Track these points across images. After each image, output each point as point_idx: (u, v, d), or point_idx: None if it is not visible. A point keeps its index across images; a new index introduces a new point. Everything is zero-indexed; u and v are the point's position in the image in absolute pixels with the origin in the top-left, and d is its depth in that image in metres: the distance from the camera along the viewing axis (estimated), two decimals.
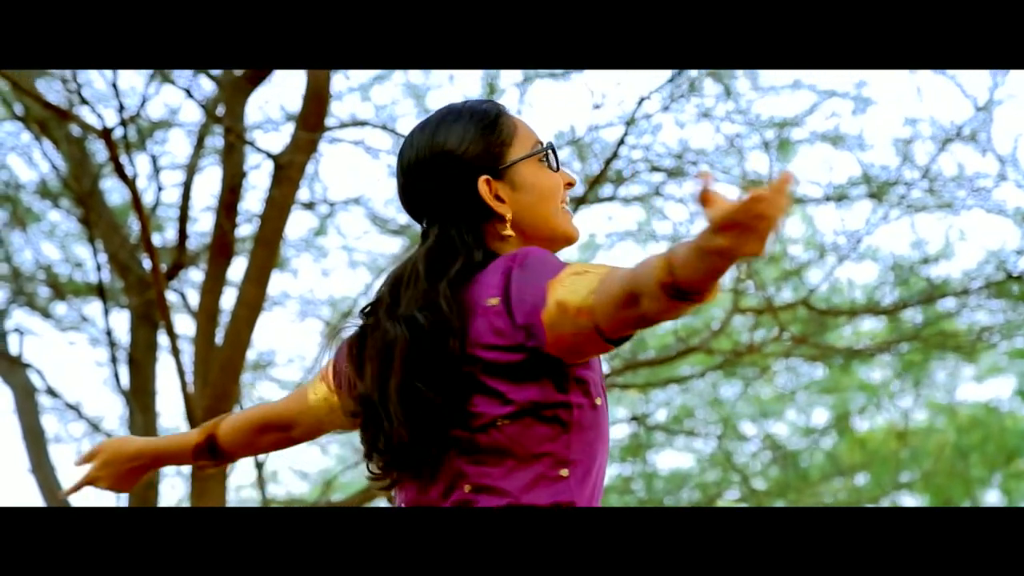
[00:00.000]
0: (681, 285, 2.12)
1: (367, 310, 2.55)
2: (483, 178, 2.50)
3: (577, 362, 2.39)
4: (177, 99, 10.49)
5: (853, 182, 8.12)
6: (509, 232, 2.51)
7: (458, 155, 2.51)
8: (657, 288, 2.15)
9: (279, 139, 8.60)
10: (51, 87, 8.46)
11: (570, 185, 2.59)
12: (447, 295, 2.41)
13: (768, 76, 7.82)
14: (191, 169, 8.61)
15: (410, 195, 2.55)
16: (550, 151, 2.58)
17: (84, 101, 7.67)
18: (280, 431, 2.84)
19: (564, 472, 2.37)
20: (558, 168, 2.58)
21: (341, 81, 8.27)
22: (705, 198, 2.06)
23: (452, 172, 2.51)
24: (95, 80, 8.29)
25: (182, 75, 7.82)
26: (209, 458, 2.89)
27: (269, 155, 7.58)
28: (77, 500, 10.18)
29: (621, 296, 2.24)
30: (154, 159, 8.82)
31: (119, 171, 7.04)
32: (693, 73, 7.59)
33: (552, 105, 9.24)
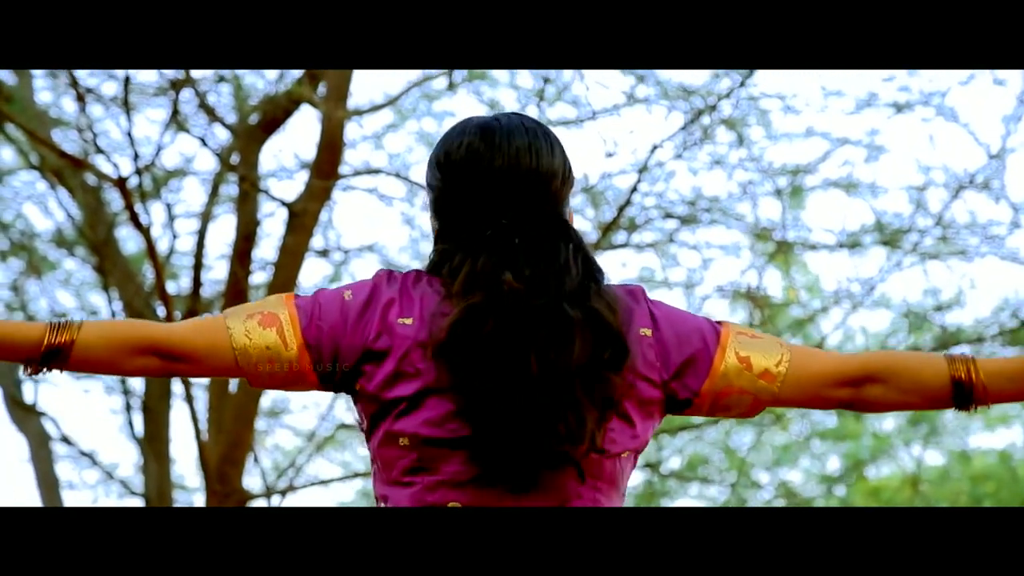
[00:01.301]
0: (977, 394, 2.46)
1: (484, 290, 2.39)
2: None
3: (712, 415, 2.48)
4: (192, 148, 10.55)
5: (866, 229, 8.12)
6: None
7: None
8: (947, 381, 2.45)
9: (293, 187, 8.64)
10: (67, 136, 8.51)
11: None
12: (612, 301, 2.41)
13: (781, 123, 7.86)
14: (205, 217, 8.63)
15: (551, 195, 2.51)
16: None
17: (99, 150, 7.70)
18: (165, 359, 2.46)
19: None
20: None
21: (355, 129, 8.31)
22: None
23: (569, 189, 2.56)
24: (111, 130, 8.35)
25: (197, 124, 7.86)
26: (52, 364, 2.44)
27: (283, 203, 7.61)
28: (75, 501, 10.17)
29: (837, 376, 2.48)
30: (169, 207, 8.85)
31: (134, 219, 7.08)
32: (706, 120, 7.61)
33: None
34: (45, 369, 2.44)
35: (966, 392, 2.47)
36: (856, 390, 2.51)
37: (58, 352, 2.41)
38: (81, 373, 2.40)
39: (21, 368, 2.41)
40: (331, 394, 2.55)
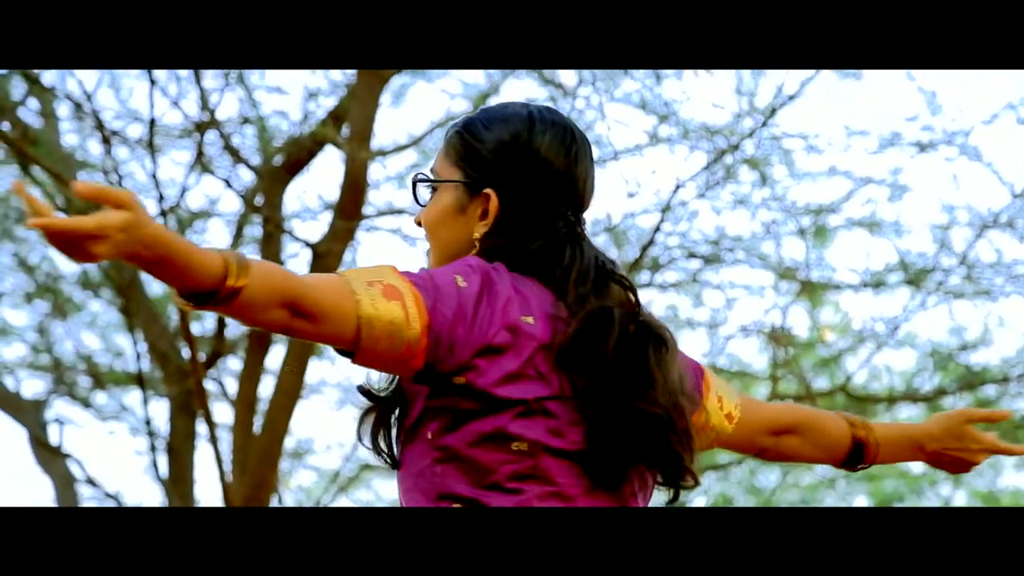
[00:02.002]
0: (868, 455, 2.70)
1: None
2: None
3: None
4: (216, 189, 10.60)
5: (890, 268, 8.10)
6: None
7: None
8: (848, 440, 2.68)
9: (317, 228, 8.66)
10: (92, 179, 8.55)
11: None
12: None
13: (804, 162, 7.85)
14: None
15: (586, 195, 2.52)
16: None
17: None
18: (295, 315, 2.22)
19: None
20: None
21: (378, 170, 8.34)
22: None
23: None
24: (136, 172, 8.38)
25: (221, 165, 7.90)
26: (214, 304, 2.16)
27: (307, 244, 7.63)
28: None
29: (771, 425, 2.65)
30: None
31: None
32: (728, 160, 7.62)
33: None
34: (203, 307, 2.17)
35: (861, 453, 2.69)
36: (777, 439, 2.67)
37: (230, 296, 2.16)
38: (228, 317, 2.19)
39: (174, 301, 2.17)
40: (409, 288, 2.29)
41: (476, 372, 2.26)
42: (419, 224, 2.54)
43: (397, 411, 2.39)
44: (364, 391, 2.41)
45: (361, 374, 2.41)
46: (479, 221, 2.44)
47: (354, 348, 2.26)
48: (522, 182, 2.43)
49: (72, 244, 2.05)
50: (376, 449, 2.40)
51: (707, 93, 11.93)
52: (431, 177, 2.51)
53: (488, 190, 2.43)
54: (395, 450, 2.39)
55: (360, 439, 2.41)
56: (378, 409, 2.40)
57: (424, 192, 2.53)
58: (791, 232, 8.08)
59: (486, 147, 2.45)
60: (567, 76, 7.50)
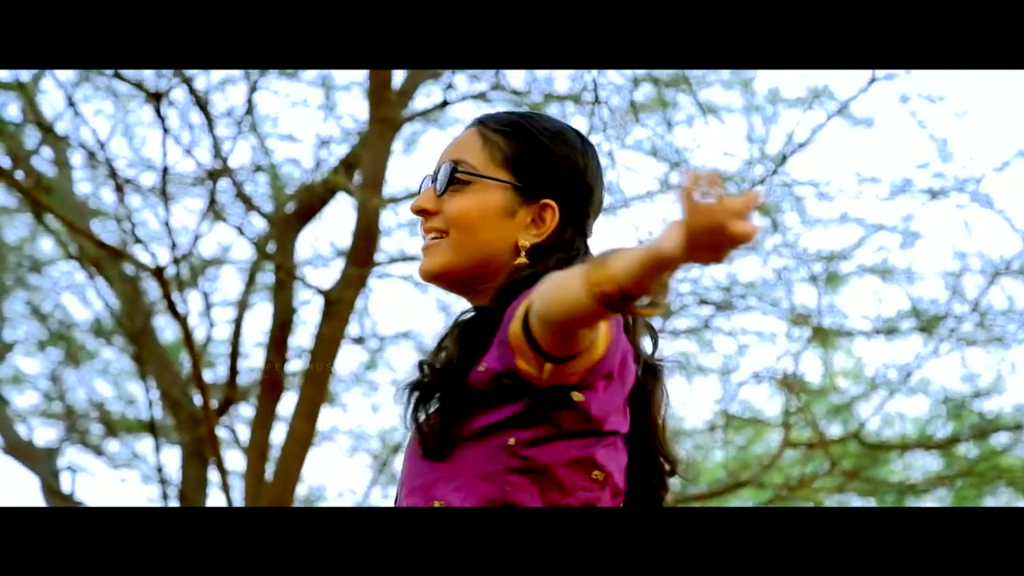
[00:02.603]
0: (631, 294, 1.99)
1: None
2: None
3: None
4: (229, 237, 10.61)
5: (903, 315, 8.10)
6: None
7: None
8: (593, 302, 2.02)
9: (329, 275, 8.68)
10: (105, 227, 8.59)
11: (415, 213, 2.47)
12: None
13: (815, 209, 7.86)
14: (242, 306, 8.68)
15: None
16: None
17: (137, 240, 7.77)
18: None
19: None
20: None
21: (390, 217, 8.36)
22: (692, 206, 1.89)
23: None
24: (149, 220, 8.42)
25: (234, 213, 7.92)
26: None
27: (319, 291, 7.65)
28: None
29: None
30: (206, 296, 8.90)
31: (171, 309, 7.12)
32: None
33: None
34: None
35: (615, 303, 2.03)
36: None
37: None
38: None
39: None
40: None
41: (593, 393, 2.23)
42: (423, 211, 2.43)
43: (445, 401, 2.29)
44: (428, 366, 2.32)
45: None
46: (527, 229, 2.38)
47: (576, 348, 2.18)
48: (575, 201, 2.40)
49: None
50: (419, 427, 2.30)
51: (718, 140, 11.98)
52: (468, 169, 2.41)
53: (548, 200, 2.38)
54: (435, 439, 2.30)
55: (405, 411, 2.32)
56: (427, 389, 2.31)
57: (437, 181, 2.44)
58: (803, 278, 8.08)
59: (546, 158, 2.40)
60: (580, 123, 7.53)
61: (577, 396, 2.21)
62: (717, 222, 1.88)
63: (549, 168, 2.39)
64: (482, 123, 2.45)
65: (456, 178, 2.40)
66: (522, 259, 2.35)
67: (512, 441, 2.23)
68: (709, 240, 1.90)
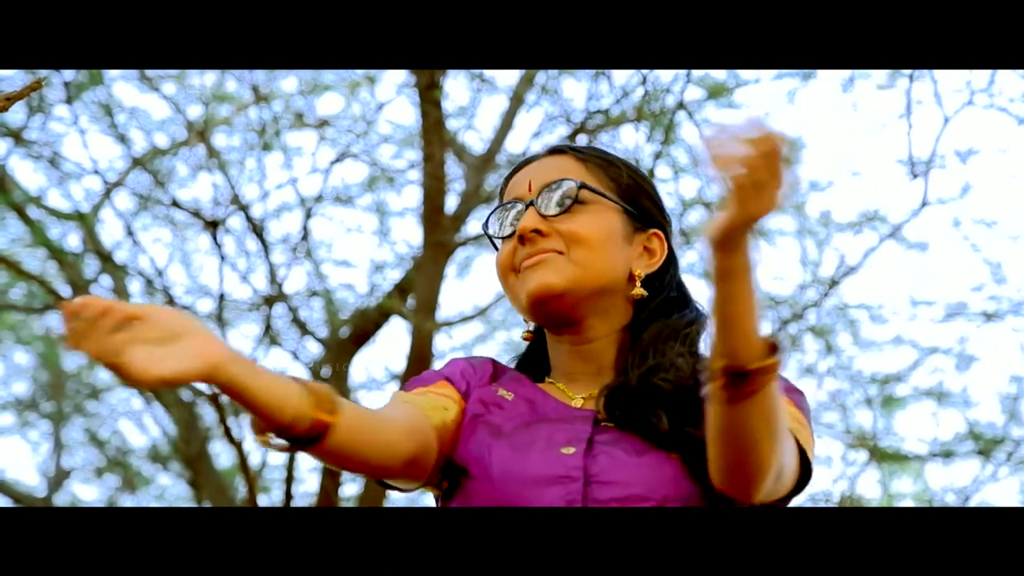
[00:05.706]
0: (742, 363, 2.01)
1: None
2: None
3: None
4: (284, 362, 10.69)
5: (960, 438, 8.04)
6: None
7: None
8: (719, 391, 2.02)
9: (384, 399, 8.72)
10: None
11: (517, 238, 2.31)
12: None
13: (869, 331, 7.86)
14: None
15: None
16: (483, 228, 2.42)
17: None
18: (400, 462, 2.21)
19: None
20: (497, 235, 2.38)
21: (444, 340, 8.40)
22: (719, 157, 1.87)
23: None
24: None
25: (289, 338, 7.98)
26: (301, 446, 2.07)
27: None
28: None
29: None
30: None
31: (227, 434, 7.16)
32: (793, 329, 7.63)
33: None
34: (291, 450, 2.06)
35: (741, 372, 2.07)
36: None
37: (316, 435, 2.07)
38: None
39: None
40: None
41: None
42: (536, 231, 2.30)
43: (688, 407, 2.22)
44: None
45: None
46: (640, 257, 2.32)
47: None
48: (669, 234, 2.37)
49: None
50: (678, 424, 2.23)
51: (770, 264, 11.98)
52: (596, 187, 2.32)
53: (656, 231, 2.35)
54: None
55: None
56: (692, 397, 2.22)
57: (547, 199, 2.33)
58: (858, 402, 8.05)
59: (647, 190, 2.37)
60: None
61: None
62: (753, 160, 1.87)
63: (653, 199, 2.36)
64: (573, 151, 2.38)
65: (578, 198, 2.30)
66: (639, 289, 2.30)
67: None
68: (752, 180, 1.88)
